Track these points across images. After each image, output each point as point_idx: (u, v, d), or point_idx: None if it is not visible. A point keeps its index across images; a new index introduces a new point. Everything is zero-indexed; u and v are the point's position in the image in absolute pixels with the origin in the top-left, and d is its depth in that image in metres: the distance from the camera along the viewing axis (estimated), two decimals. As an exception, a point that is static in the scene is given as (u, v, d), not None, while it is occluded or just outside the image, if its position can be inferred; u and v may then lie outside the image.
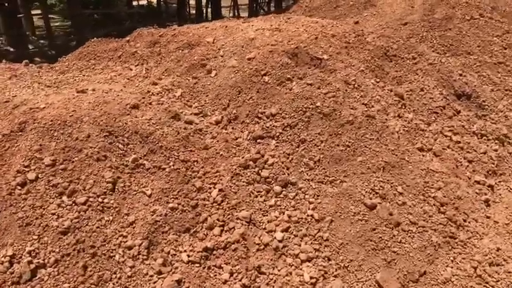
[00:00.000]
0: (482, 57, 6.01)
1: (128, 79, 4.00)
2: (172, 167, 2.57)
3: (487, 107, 4.78)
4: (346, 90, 3.53)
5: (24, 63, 4.70)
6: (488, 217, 3.17)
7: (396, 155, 3.13)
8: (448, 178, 3.26)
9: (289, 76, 3.44)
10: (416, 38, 6.50)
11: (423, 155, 3.59)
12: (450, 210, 2.99)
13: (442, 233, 2.81)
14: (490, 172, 3.83)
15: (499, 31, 6.60)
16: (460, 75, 5.39)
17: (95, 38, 5.33)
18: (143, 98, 3.24)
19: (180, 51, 4.33)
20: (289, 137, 3.07)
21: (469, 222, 2.99)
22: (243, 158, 2.91)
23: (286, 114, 3.17)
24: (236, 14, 11.61)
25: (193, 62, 3.97)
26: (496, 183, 3.69)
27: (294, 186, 2.80)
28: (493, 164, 3.91)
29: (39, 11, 12.53)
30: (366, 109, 3.47)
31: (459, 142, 3.95)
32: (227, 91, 3.46)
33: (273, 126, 3.14)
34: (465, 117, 4.38)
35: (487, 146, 4.12)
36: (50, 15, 10.81)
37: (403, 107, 3.98)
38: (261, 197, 2.73)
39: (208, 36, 4.38)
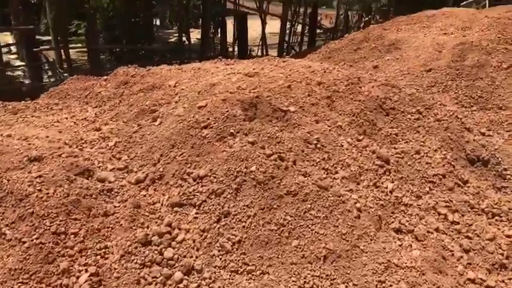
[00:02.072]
0: (517, 113, 5.19)
1: (74, 122, 3.75)
2: (35, 240, 2.16)
3: (510, 176, 3.97)
4: (302, 151, 2.99)
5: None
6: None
7: (347, 241, 2.50)
8: (421, 276, 2.55)
9: (232, 131, 2.98)
10: (439, 87, 5.84)
11: (399, 239, 2.91)
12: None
13: None
14: (495, 266, 3.03)
15: (543, 82, 5.74)
16: (483, 134, 4.62)
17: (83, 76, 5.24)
18: (59, 148, 2.92)
19: (142, 93, 4.04)
20: (212, 207, 2.57)
21: None
22: (147, 230, 2.45)
23: (215, 177, 2.69)
24: (265, 53, 11.45)
25: (143, 107, 3.65)
26: (500, 282, 2.88)
27: (199, 275, 2.26)
28: (502, 254, 3.10)
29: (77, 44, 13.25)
30: (324, 176, 2.89)
31: (457, 223, 3.20)
32: (162, 144, 3.06)
33: (197, 191, 2.66)
34: (474, 189, 3.61)
35: (498, 229, 3.32)
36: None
37: (386, 174, 3.34)
38: (155, 285, 2.22)
39: (173, 79, 4.07)
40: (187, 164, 2.83)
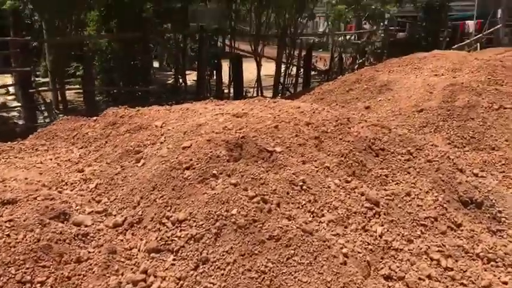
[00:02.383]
0: (510, 153, 5.15)
1: (58, 164, 3.69)
2: (-3, 290, 2.04)
3: (505, 219, 3.86)
4: (287, 194, 2.91)
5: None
6: None
7: (332, 290, 2.37)
8: (412, 328, 2.40)
9: (215, 172, 2.92)
10: (430, 127, 5.84)
11: (389, 286, 2.77)
12: None
13: None
14: (492, 316, 2.87)
15: (535, 123, 5.75)
16: (476, 175, 4.55)
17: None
18: (36, 190, 2.84)
19: (128, 134, 4.01)
20: (190, 253, 2.46)
21: None
22: (121, 277, 2.32)
23: (194, 221, 2.60)
24: (260, 94, 11.59)
25: (128, 148, 3.60)
26: (498, 335, 2.72)
27: (171, 328, 2.12)
28: (499, 304, 2.95)
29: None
30: (309, 220, 2.80)
31: (450, 269, 3.06)
32: (143, 186, 2.99)
33: (176, 236, 2.56)
34: (468, 232, 3.50)
35: (494, 275, 3.17)
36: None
37: (375, 217, 3.24)
38: None
39: (160, 119, 4.06)
40: (167, 207, 2.74)
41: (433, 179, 3.89)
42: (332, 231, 2.82)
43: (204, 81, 10.09)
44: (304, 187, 3.04)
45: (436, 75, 7.59)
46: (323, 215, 2.92)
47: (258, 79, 11.31)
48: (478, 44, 18.40)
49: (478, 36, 18.27)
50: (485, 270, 3.21)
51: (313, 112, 4.52)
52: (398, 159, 4.06)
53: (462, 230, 3.52)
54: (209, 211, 2.60)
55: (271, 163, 3.26)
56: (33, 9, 11.31)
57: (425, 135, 5.55)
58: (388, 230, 3.19)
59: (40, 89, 9.81)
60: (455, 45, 18.40)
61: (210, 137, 3.27)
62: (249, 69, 12.17)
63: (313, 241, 2.57)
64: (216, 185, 2.82)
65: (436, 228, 3.40)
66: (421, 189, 3.73)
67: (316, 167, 3.42)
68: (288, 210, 2.79)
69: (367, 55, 13.73)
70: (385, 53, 14.23)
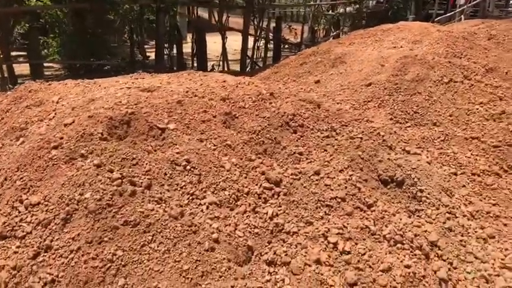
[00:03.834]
0: (451, 129, 4.99)
1: None
2: None
3: (425, 198, 3.70)
4: (164, 175, 2.71)
5: None
6: None
7: (187, 279, 2.20)
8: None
9: (83, 152, 2.70)
10: (375, 102, 5.62)
11: (270, 273, 2.61)
12: None
13: None
14: (386, 303, 2.73)
15: (485, 97, 5.57)
16: (408, 152, 4.38)
17: None
18: None
19: (27, 110, 3.76)
20: (34, 239, 2.27)
21: None
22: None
23: (46, 205, 2.40)
24: (226, 68, 11.27)
25: (15, 125, 3.37)
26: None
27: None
28: (395, 289, 2.81)
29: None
30: (185, 203, 2.61)
31: (347, 252, 2.91)
32: (9, 166, 2.77)
33: (25, 221, 2.36)
34: (378, 213, 3.34)
35: (398, 258, 3.03)
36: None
37: (273, 198, 3.06)
38: None
39: (59, 94, 3.80)
40: (24, 189, 2.54)
41: (351, 157, 3.71)
42: (210, 214, 2.64)
43: (162, 54, 9.74)
44: (188, 167, 2.84)
45: (394, 47, 7.32)
46: (204, 197, 2.73)
47: (224, 53, 10.96)
48: (462, 16, 18.02)
49: (463, 8, 17.86)
50: (389, 253, 3.07)
51: (236, 86, 4.28)
52: (317, 136, 3.87)
53: (373, 211, 3.36)
54: (62, 194, 2.40)
55: (161, 141, 3.05)
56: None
57: (365, 111, 5.36)
58: (285, 212, 3.02)
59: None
60: (439, 18, 18.02)
61: (94, 113, 3.04)
62: (219, 41, 11.80)
63: (176, 226, 2.38)
64: (82, 166, 2.61)
65: (342, 209, 3.24)
66: (334, 168, 3.55)
67: (214, 145, 3.21)
68: (160, 193, 2.59)
69: (342, 27, 13.35)
70: (363, 25, 13.85)
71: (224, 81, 4.45)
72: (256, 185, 3.09)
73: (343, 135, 3.96)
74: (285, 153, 3.63)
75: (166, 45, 9.91)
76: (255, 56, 11.75)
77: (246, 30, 10.90)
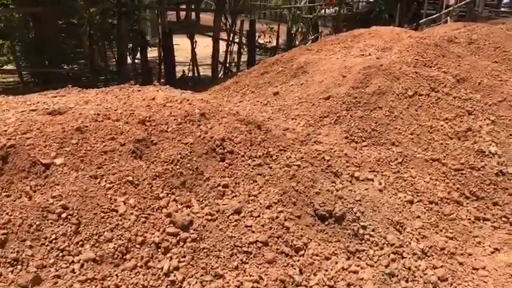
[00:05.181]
0: (411, 149, 4.58)
1: None
2: None
3: (369, 236, 3.29)
4: (29, 227, 2.27)
5: None
6: None
7: None
8: None
9: None
10: (332, 118, 5.21)
11: None
12: None
13: None
14: None
15: (452, 112, 5.17)
16: (357, 178, 3.96)
17: None
18: None
19: None
20: None
21: None
22: None
23: None
24: (196, 74, 10.82)
25: None
26: None
27: None
28: None
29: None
30: (52, 262, 2.17)
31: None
32: None
33: None
34: (309, 258, 2.93)
35: (322, 316, 2.61)
36: None
37: (177, 246, 2.62)
38: None
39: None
40: None
41: (283, 189, 3.29)
42: (82, 276, 2.20)
43: (124, 61, 9.28)
44: (64, 215, 2.40)
45: (362, 55, 6.93)
46: (80, 253, 2.29)
47: (193, 57, 10.51)
48: (448, 18, 17.64)
49: (449, 9, 17.52)
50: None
51: (164, 105, 3.85)
52: (248, 165, 3.44)
53: (302, 255, 2.95)
54: None
55: (43, 180, 2.61)
56: None
57: (321, 128, 4.94)
58: (189, 264, 2.58)
59: None
60: (423, 20, 17.67)
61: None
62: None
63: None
64: None
65: (263, 255, 2.81)
66: (261, 204, 3.12)
67: (111, 183, 2.76)
68: (17, 252, 2.15)
69: (321, 30, 12.95)
70: (344, 28, 13.47)
71: (153, 99, 4.01)
72: (158, 230, 2.66)
73: (279, 163, 3.54)
74: (207, 186, 3.20)
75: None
76: (228, 61, 11.32)
77: (217, 35, 10.47)
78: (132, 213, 2.63)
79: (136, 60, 10.31)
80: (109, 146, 3.04)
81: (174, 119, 3.60)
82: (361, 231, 3.27)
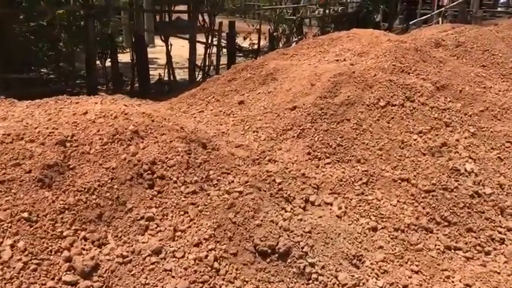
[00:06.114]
0: (378, 168, 4.19)
1: None
2: None
3: (316, 275, 2.88)
4: None
5: None
6: None
7: None
8: None
9: None
10: (295, 131, 4.80)
11: None
12: None
13: None
14: None
15: (427, 124, 4.77)
16: (312, 203, 3.56)
17: None
18: None
19: None
20: None
21: None
22: None
23: None
24: (172, 79, 10.40)
25: None
26: None
27: None
28: None
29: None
30: None
31: None
32: None
33: None
34: (239, 306, 2.51)
35: None
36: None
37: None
38: None
39: None
40: None
41: (218, 221, 2.87)
42: None
43: (93, 65, 8.85)
44: None
45: (337, 60, 6.53)
46: None
47: (169, 60, 10.09)
48: (440, 19, 17.31)
49: (440, 10, 17.17)
50: None
51: (93, 121, 3.44)
52: (180, 192, 3.02)
53: (230, 303, 2.53)
54: None
55: None
56: None
57: (283, 142, 4.54)
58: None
59: None
60: (414, 20, 17.34)
61: None
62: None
63: None
64: None
65: (181, 308, 2.39)
66: (188, 241, 2.71)
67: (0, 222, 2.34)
68: None
69: (306, 32, 12.56)
70: (331, 30, 13.08)
71: (85, 114, 3.60)
72: (53, 279, 2.24)
73: (218, 189, 3.13)
74: (129, 218, 2.78)
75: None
76: (207, 64, 10.90)
77: (193, 37, 10.05)
78: (19, 260, 2.22)
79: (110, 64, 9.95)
80: (8, 174, 2.63)
81: (100, 139, 3.18)
82: (308, 269, 2.86)
